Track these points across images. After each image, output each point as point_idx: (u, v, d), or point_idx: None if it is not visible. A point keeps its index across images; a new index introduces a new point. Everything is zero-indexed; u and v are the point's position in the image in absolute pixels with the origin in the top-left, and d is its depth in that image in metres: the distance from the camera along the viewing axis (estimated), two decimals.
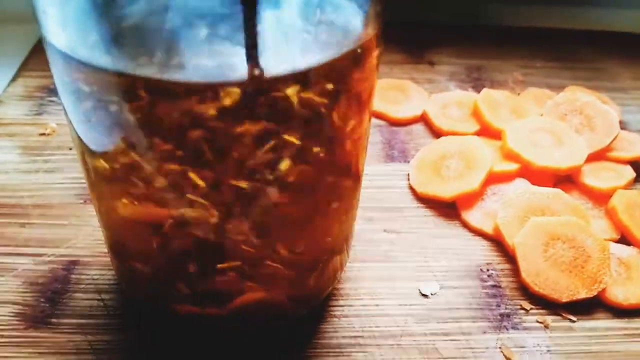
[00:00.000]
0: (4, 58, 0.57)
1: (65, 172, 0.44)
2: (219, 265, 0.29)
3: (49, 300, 0.35)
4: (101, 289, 0.36)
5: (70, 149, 0.46)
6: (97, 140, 0.27)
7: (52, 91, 0.52)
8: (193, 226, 0.27)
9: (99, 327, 0.34)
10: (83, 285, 0.36)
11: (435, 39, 0.66)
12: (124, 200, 0.28)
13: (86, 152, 0.28)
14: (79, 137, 0.28)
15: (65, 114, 0.28)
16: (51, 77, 0.53)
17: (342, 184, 0.31)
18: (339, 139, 0.28)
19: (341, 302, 0.37)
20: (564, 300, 0.37)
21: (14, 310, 0.35)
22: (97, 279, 0.37)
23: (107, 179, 0.28)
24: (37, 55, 0.57)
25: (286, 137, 0.25)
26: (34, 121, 0.49)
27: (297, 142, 0.26)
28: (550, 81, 0.60)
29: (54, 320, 0.34)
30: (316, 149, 0.27)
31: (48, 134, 0.48)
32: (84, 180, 0.43)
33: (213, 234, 0.27)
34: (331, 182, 0.29)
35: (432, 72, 0.61)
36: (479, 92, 0.54)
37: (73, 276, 0.37)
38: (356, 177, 0.32)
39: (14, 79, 0.54)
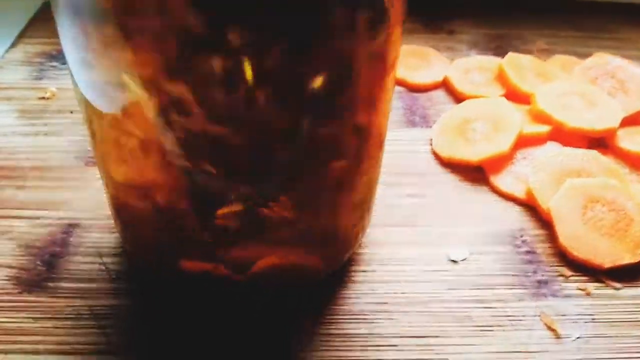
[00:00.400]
0: (4, 25, 0.55)
1: (65, 135, 0.42)
2: (219, 211, 0.26)
3: (46, 264, 0.32)
4: (103, 252, 0.33)
5: (72, 112, 0.44)
6: (104, 95, 0.24)
7: (54, 57, 0.50)
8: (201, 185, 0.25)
9: (100, 292, 0.31)
10: (83, 249, 0.33)
11: (454, 9, 0.63)
12: (130, 158, 0.26)
13: (92, 110, 0.25)
14: (84, 96, 0.25)
15: (70, 71, 0.26)
16: (52, 43, 0.51)
17: (364, 144, 0.28)
18: (364, 98, 0.26)
19: (363, 268, 0.34)
20: (607, 266, 0.34)
21: (8, 274, 0.32)
22: (98, 242, 0.34)
23: (114, 136, 0.25)
24: (37, 23, 0.54)
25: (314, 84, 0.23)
26: (34, 85, 0.46)
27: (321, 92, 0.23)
28: (576, 50, 0.57)
29: (51, 284, 0.31)
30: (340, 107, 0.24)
31: (48, 98, 0.45)
32: (85, 143, 0.41)
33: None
34: (354, 142, 0.27)
35: (452, 40, 0.58)
36: (502, 59, 0.51)
37: (72, 239, 0.34)
38: (379, 139, 0.29)
39: (13, 45, 0.51)
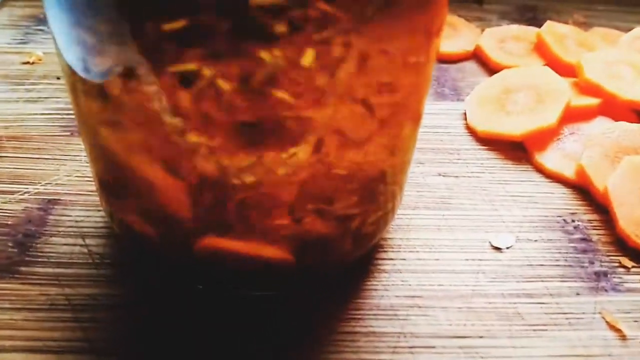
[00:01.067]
0: None
1: (50, 103, 0.37)
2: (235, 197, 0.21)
3: (18, 245, 0.27)
4: (85, 232, 0.28)
5: (58, 78, 0.39)
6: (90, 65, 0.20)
7: (42, 20, 0.45)
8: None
9: (80, 278, 0.26)
10: (63, 228, 0.28)
11: None
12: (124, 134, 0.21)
13: (77, 79, 0.21)
14: (68, 64, 0.21)
15: (53, 38, 0.21)
16: (40, 6, 0.46)
17: (402, 118, 0.23)
18: (406, 64, 0.21)
19: (391, 255, 0.29)
20: None
21: None
22: (81, 221, 0.29)
23: (104, 108, 0.21)
24: None
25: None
26: (18, 50, 0.41)
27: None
28: (615, 24, 0.52)
29: (22, 268, 0.26)
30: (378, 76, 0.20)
31: (33, 63, 0.40)
32: (72, 112, 0.36)
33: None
34: (393, 115, 0.22)
35: (481, 11, 0.52)
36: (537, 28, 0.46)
37: (51, 217, 0.29)
38: (417, 113, 0.24)
39: None
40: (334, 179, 0.23)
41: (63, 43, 0.22)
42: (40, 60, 0.40)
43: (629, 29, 0.50)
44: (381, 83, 0.21)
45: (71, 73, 0.22)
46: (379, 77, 0.21)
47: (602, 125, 0.36)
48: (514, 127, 0.35)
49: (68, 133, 0.34)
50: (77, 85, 0.22)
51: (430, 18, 0.22)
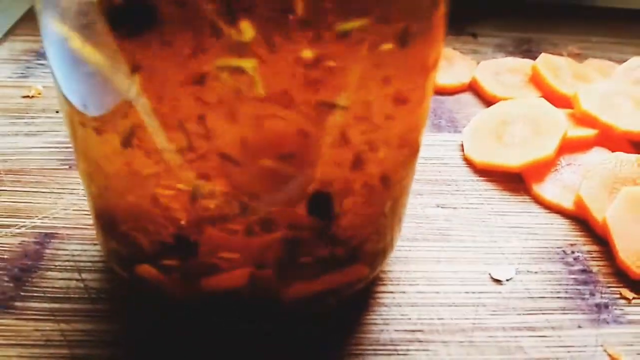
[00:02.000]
0: None
1: (49, 136, 0.37)
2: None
3: (14, 279, 0.27)
4: (82, 267, 0.28)
5: (57, 111, 0.39)
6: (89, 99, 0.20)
7: (41, 55, 0.45)
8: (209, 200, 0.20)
9: (76, 314, 0.26)
10: (59, 262, 0.28)
11: (477, 12, 0.58)
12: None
13: (74, 112, 0.21)
14: (64, 96, 0.21)
15: (52, 71, 0.21)
16: (40, 41, 0.47)
17: (400, 151, 0.23)
18: (403, 98, 0.21)
19: (390, 288, 0.28)
20: None
21: None
22: (77, 255, 0.29)
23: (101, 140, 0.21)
24: (25, 22, 0.50)
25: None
26: (18, 84, 0.42)
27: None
28: (609, 55, 0.53)
29: (18, 303, 0.26)
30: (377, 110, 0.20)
31: (32, 97, 0.40)
32: (70, 146, 0.36)
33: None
34: (391, 148, 0.22)
35: (476, 43, 0.53)
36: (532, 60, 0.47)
37: (47, 251, 0.29)
38: (415, 146, 0.24)
39: None
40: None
41: (62, 78, 0.22)
42: (39, 94, 0.41)
43: (623, 61, 0.50)
44: (380, 117, 0.21)
45: (69, 106, 0.22)
46: (377, 112, 0.21)
47: (599, 156, 0.36)
48: (511, 158, 0.35)
49: (66, 167, 0.34)
50: (75, 118, 0.22)
51: (426, 53, 0.22)
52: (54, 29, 0.20)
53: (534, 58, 0.49)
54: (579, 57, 0.52)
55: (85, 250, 0.29)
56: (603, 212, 0.32)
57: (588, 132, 0.37)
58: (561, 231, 0.33)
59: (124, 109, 0.20)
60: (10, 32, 0.48)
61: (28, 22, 0.50)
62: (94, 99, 0.21)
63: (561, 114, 0.37)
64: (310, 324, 0.26)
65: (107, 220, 0.25)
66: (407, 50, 0.20)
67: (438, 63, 0.23)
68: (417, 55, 0.21)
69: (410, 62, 0.21)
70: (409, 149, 0.24)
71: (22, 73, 0.43)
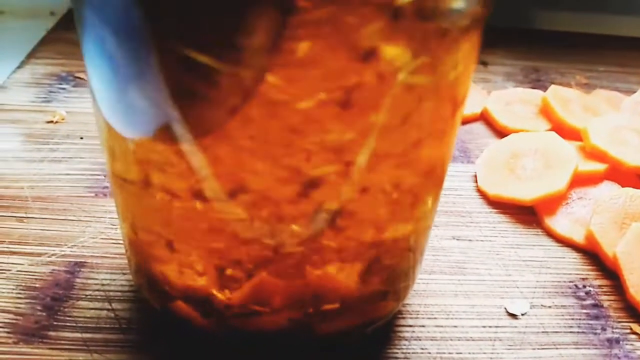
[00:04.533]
0: (12, 48, 0.52)
1: (74, 163, 0.38)
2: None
3: (46, 309, 0.28)
4: (112, 296, 0.29)
5: (82, 138, 0.40)
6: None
7: (63, 79, 0.46)
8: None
9: (108, 344, 0.27)
10: (90, 292, 0.29)
11: (487, 41, 0.59)
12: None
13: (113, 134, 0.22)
14: (105, 120, 0.22)
15: (90, 87, 0.22)
16: (62, 64, 0.48)
17: (426, 182, 0.24)
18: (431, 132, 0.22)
19: (410, 322, 0.29)
20: None
21: (3, 320, 0.27)
22: (107, 285, 0.30)
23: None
24: (48, 43, 0.51)
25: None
26: (41, 108, 0.43)
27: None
28: (617, 85, 0.54)
29: (51, 333, 0.27)
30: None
31: (56, 122, 0.41)
32: (96, 172, 0.37)
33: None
34: (419, 182, 0.23)
35: (486, 72, 0.54)
36: (542, 91, 0.48)
37: (78, 280, 0.30)
38: (441, 179, 0.26)
39: (20, 66, 0.48)
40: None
41: (105, 103, 0.22)
42: (63, 119, 0.42)
43: (630, 90, 0.52)
44: (409, 152, 0.22)
45: (111, 132, 0.23)
46: (407, 148, 0.22)
47: (609, 190, 0.37)
48: (524, 192, 0.37)
49: (92, 194, 0.35)
50: (114, 143, 0.23)
51: (456, 89, 0.23)
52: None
53: (543, 87, 0.51)
54: (586, 86, 0.53)
55: (114, 280, 0.30)
56: (613, 246, 0.33)
57: (598, 167, 0.38)
58: (573, 265, 0.34)
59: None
60: (32, 55, 0.50)
61: (48, 44, 0.51)
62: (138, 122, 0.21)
63: (572, 148, 0.39)
64: (333, 357, 0.27)
65: (141, 255, 0.26)
66: (439, 88, 0.21)
67: (466, 99, 0.24)
68: (447, 92, 0.22)
69: (441, 99, 0.22)
70: (435, 182, 0.25)
71: (44, 97, 0.44)
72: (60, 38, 0.52)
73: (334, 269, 0.24)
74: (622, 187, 0.38)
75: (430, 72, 0.20)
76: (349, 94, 0.19)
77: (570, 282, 0.33)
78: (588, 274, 0.33)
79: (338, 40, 0.17)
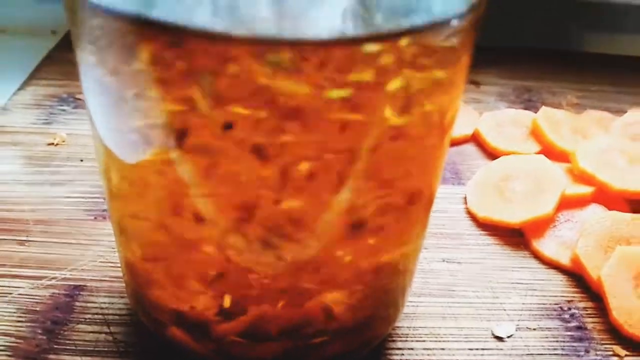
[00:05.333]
0: (13, 68, 0.53)
1: (74, 186, 0.39)
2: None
3: (47, 332, 0.29)
4: (110, 320, 0.30)
5: (82, 160, 0.41)
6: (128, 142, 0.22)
7: (64, 100, 0.47)
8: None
9: None
10: (89, 315, 0.30)
11: (479, 60, 0.60)
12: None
13: (110, 159, 0.23)
14: (103, 144, 0.23)
15: (89, 115, 0.23)
16: (63, 85, 0.49)
17: (415, 208, 0.25)
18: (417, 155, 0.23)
19: (399, 344, 0.30)
20: None
21: (4, 343, 0.28)
22: (106, 308, 0.30)
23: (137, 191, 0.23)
24: (48, 66, 0.52)
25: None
26: (42, 130, 0.44)
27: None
28: (608, 105, 0.55)
29: (51, 356, 0.28)
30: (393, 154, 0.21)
31: (57, 144, 0.42)
32: (96, 195, 0.38)
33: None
34: (403, 200, 0.24)
35: (479, 92, 0.55)
36: (533, 112, 0.49)
37: (77, 304, 0.31)
38: (430, 202, 0.26)
39: (21, 87, 0.49)
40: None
41: (103, 127, 0.23)
42: (63, 141, 0.43)
43: (621, 110, 0.52)
44: (397, 177, 0.23)
45: (108, 155, 0.23)
46: (394, 172, 0.22)
47: (595, 213, 0.38)
48: (512, 215, 0.38)
49: (92, 217, 0.36)
50: (111, 166, 0.24)
51: (443, 114, 0.23)
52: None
53: (535, 107, 0.52)
54: (578, 106, 0.54)
55: (113, 303, 0.31)
56: (598, 269, 0.34)
57: (585, 190, 0.39)
58: (559, 287, 0.35)
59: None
60: (33, 76, 0.51)
61: (49, 65, 0.52)
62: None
63: (560, 171, 0.40)
64: None
65: (137, 280, 0.27)
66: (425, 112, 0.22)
67: (454, 122, 0.25)
68: (435, 117, 0.23)
69: (429, 123, 0.22)
70: (425, 207, 0.26)
71: (45, 119, 0.45)
72: (61, 59, 0.53)
73: (327, 297, 0.25)
74: (609, 209, 0.39)
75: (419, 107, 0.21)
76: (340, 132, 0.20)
77: (555, 304, 0.34)
78: (573, 296, 0.34)
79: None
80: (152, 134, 0.21)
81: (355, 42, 0.18)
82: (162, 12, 0.19)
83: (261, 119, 0.19)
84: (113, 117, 0.22)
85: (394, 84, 0.19)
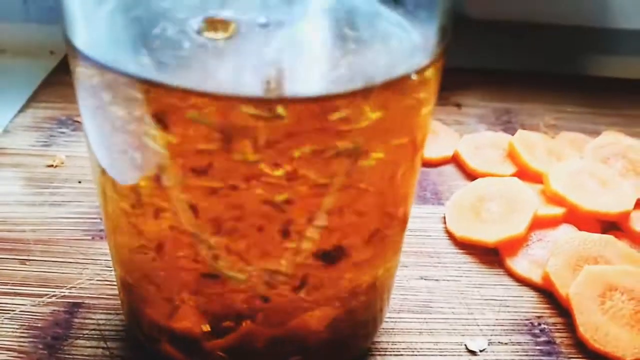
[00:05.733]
0: (13, 90, 0.55)
1: (73, 207, 0.41)
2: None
3: (47, 347, 0.31)
4: (107, 335, 0.32)
5: (80, 182, 0.43)
6: (124, 169, 0.24)
7: (63, 122, 0.50)
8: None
9: None
10: (87, 331, 0.32)
11: (460, 82, 0.63)
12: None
13: (107, 179, 0.25)
14: (100, 165, 0.25)
15: (86, 138, 0.25)
16: (62, 108, 0.51)
17: (389, 227, 0.27)
18: (389, 179, 0.25)
19: (378, 359, 0.32)
20: (629, 359, 0.33)
21: (7, 358, 0.30)
22: (102, 324, 0.32)
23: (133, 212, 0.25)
24: (47, 88, 0.54)
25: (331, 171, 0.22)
26: (42, 152, 0.46)
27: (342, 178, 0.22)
28: (583, 126, 0.57)
29: None
30: (362, 187, 0.24)
31: (56, 166, 0.44)
32: (93, 216, 0.40)
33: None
34: (378, 225, 0.26)
35: (460, 114, 0.58)
36: (511, 134, 0.51)
37: (76, 320, 0.33)
38: (403, 220, 0.29)
39: (22, 110, 0.51)
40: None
41: (98, 148, 0.25)
42: (62, 163, 0.45)
43: (597, 132, 0.55)
44: (369, 196, 0.25)
45: (104, 176, 0.25)
46: (366, 191, 0.24)
47: (566, 233, 0.41)
48: (488, 234, 0.40)
49: (89, 237, 0.38)
50: (106, 186, 0.25)
51: (414, 136, 0.25)
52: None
53: (514, 129, 0.54)
54: (554, 128, 0.57)
55: (109, 320, 0.33)
56: (567, 287, 0.36)
57: (557, 211, 0.42)
58: (530, 303, 0.37)
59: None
60: (33, 99, 0.53)
61: (49, 87, 0.54)
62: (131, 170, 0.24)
63: (532, 193, 0.42)
64: None
65: (132, 297, 0.29)
66: (395, 136, 0.23)
67: (424, 143, 0.27)
68: (406, 139, 0.24)
69: (399, 145, 0.24)
70: (401, 226, 0.28)
71: (45, 141, 0.47)
72: (60, 81, 0.55)
73: (310, 316, 0.27)
74: (580, 230, 0.41)
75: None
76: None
77: (527, 319, 0.36)
78: (544, 312, 0.36)
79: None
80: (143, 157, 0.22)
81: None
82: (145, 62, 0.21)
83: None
84: (107, 139, 0.24)
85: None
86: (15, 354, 0.31)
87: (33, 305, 0.33)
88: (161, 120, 0.21)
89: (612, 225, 0.43)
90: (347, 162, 0.22)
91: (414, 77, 0.22)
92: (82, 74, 0.22)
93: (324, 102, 0.20)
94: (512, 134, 0.51)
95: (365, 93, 0.21)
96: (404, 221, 0.29)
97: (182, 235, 0.24)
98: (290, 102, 0.20)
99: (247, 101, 0.20)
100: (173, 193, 0.23)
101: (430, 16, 0.23)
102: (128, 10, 0.23)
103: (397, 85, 0.21)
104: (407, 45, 0.23)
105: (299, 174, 0.21)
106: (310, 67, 0.23)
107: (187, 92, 0.20)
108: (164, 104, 0.20)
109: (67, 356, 0.31)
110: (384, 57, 0.23)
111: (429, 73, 0.23)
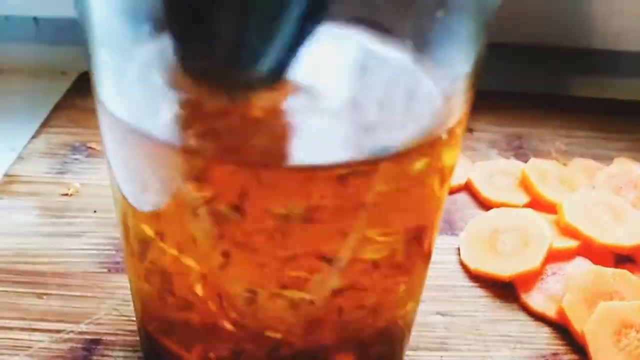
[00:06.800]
0: (25, 112, 0.55)
1: (88, 238, 0.41)
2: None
3: None
4: None
5: (95, 211, 0.43)
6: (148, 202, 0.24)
7: (76, 149, 0.50)
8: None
9: None
10: None
11: (473, 106, 0.63)
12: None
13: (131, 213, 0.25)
14: (123, 196, 0.25)
15: (110, 169, 0.25)
16: (75, 134, 0.51)
17: (415, 264, 0.27)
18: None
19: None
20: None
21: None
22: None
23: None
24: (60, 112, 0.54)
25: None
26: (56, 180, 0.46)
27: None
28: (595, 152, 0.57)
29: None
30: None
31: (71, 195, 0.45)
32: (109, 247, 0.40)
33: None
34: (404, 263, 0.26)
35: (472, 139, 0.58)
36: (523, 161, 0.52)
37: (94, 358, 0.33)
38: (429, 255, 0.29)
39: (35, 135, 0.51)
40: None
41: (122, 178, 0.25)
42: (77, 191, 0.45)
43: (608, 157, 0.55)
44: (395, 231, 0.25)
45: (128, 206, 0.25)
46: (393, 225, 0.24)
47: (580, 266, 0.41)
48: (503, 268, 0.40)
49: (105, 270, 0.38)
50: (127, 214, 0.25)
51: (441, 170, 0.26)
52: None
53: (525, 155, 0.54)
54: (565, 154, 0.57)
55: (127, 357, 0.33)
56: (583, 323, 0.36)
57: (571, 243, 0.42)
58: (545, 340, 0.37)
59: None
60: (46, 124, 0.53)
61: (62, 111, 0.54)
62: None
63: (547, 225, 0.42)
64: None
65: (151, 333, 0.29)
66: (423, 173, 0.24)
67: (452, 174, 0.27)
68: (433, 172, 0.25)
69: (426, 180, 0.25)
70: (424, 261, 0.28)
71: (59, 169, 0.47)
72: (72, 105, 0.55)
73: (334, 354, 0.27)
74: (594, 263, 0.41)
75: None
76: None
77: (542, 357, 0.36)
78: (559, 349, 0.36)
79: None
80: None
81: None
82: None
83: None
84: (132, 168, 0.24)
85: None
86: None
87: (51, 342, 0.33)
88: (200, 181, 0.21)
89: (625, 258, 0.43)
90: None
91: (445, 136, 0.22)
92: (113, 130, 0.22)
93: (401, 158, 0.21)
94: (524, 160, 0.51)
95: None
96: (428, 256, 0.29)
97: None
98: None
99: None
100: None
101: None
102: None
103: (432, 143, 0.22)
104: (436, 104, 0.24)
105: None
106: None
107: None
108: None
109: None
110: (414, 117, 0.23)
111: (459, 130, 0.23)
